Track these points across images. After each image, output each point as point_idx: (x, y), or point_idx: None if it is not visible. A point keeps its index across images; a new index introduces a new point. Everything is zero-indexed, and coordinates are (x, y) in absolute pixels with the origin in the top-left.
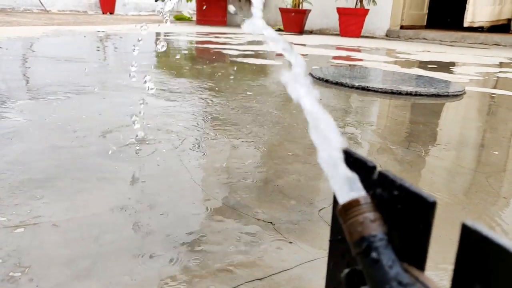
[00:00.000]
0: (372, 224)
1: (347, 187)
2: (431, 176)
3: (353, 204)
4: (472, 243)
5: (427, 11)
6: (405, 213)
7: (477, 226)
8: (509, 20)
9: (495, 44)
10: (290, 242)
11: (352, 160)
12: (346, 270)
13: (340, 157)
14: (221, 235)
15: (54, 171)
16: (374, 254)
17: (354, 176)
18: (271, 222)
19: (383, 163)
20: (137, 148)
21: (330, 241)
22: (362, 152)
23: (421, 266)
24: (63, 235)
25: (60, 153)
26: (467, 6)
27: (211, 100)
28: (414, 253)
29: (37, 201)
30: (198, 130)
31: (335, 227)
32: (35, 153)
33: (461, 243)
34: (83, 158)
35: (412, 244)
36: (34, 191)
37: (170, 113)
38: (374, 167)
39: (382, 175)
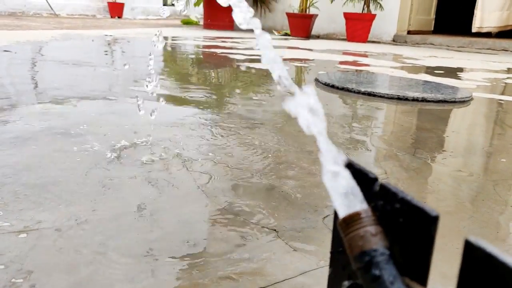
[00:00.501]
0: (373, 238)
1: (348, 199)
2: (437, 183)
3: (354, 217)
4: (476, 260)
5: (434, 16)
6: (407, 227)
7: (481, 243)
8: None
9: (503, 50)
10: (294, 250)
11: (353, 171)
12: (346, 283)
13: (342, 168)
14: (224, 242)
15: (59, 177)
16: (375, 270)
17: (356, 188)
18: (275, 229)
19: (389, 170)
20: (146, 154)
21: (331, 252)
22: (368, 158)
23: (423, 281)
24: (66, 241)
25: (65, 158)
26: (475, 11)
27: (214, 105)
28: (416, 268)
29: (41, 207)
30: (203, 135)
31: (336, 239)
32: (40, 158)
33: (464, 260)
34: (89, 164)
35: (414, 259)
36: (38, 196)
37: (178, 118)
38: (375, 179)
39: (383, 187)
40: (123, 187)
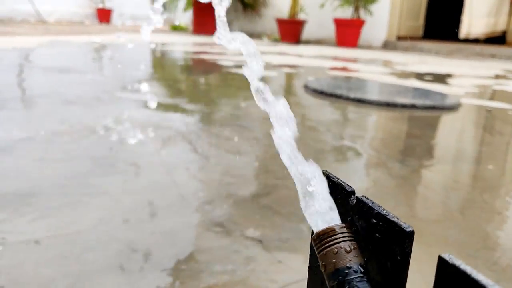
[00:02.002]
0: (347, 255)
1: (323, 213)
2: (425, 191)
3: (328, 233)
4: (449, 277)
5: (423, 22)
6: (382, 243)
7: (454, 260)
8: (504, 32)
9: (491, 56)
10: (279, 261)
11: (330, 184)
12: None
13: (318, 179)
14: (207, 253)
15: (40, 186)
16: None
17: (331, 202)
18: (260, 240)
19: (377, 178)
20: (126, 160)
21: (310, 267)
22: (356, 166)
23: None
24: (44, 253)
25: (47, 167)
26: (462, 18)
27: (202, 111)
28: (392, 285)
29: (21, 217)
30: (188, 143)
31: (315, 253)
32: (21, 167)
33: (437, 277)
34: (70, 172)
35: (389, 276)
36: (18, 207)
37: (158, 124)
38: (352, 192)
39: (360, 201)
40: (105, 196)
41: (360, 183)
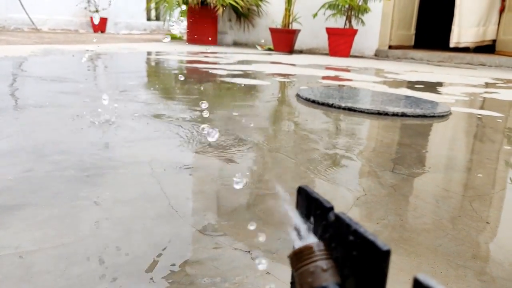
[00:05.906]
0: (323, 274)
1: (300, 232)
2: (415, 200)
3: (304, 252)
4: None
5: (414, 32)
6: (359, 261)
7: (429, 281)
8: (493, 41)
9: (480, 64)
10: (268, 273)
11: (308, 199)
12: None
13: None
14: (195, 265)
15: (26, 198)
16: None
17: (304, 221)
18: (248, 251)
19: (367, 187)
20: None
21: (291, 283)
22: (346, 175)
23: None
24: (28, 268)
25: (34, 178)
26: (452, 27)
27: (194, 121)
28: None
29: (4, 230)
30: (180, 151)
31: None
32: (8, 178)
33: None
34: (58, 184)
35: None
36: (1, 219)
37: (150, 137)
38: (330, 208)
39: (338, 218)
40: (92, 207)
41: (351, 192)
